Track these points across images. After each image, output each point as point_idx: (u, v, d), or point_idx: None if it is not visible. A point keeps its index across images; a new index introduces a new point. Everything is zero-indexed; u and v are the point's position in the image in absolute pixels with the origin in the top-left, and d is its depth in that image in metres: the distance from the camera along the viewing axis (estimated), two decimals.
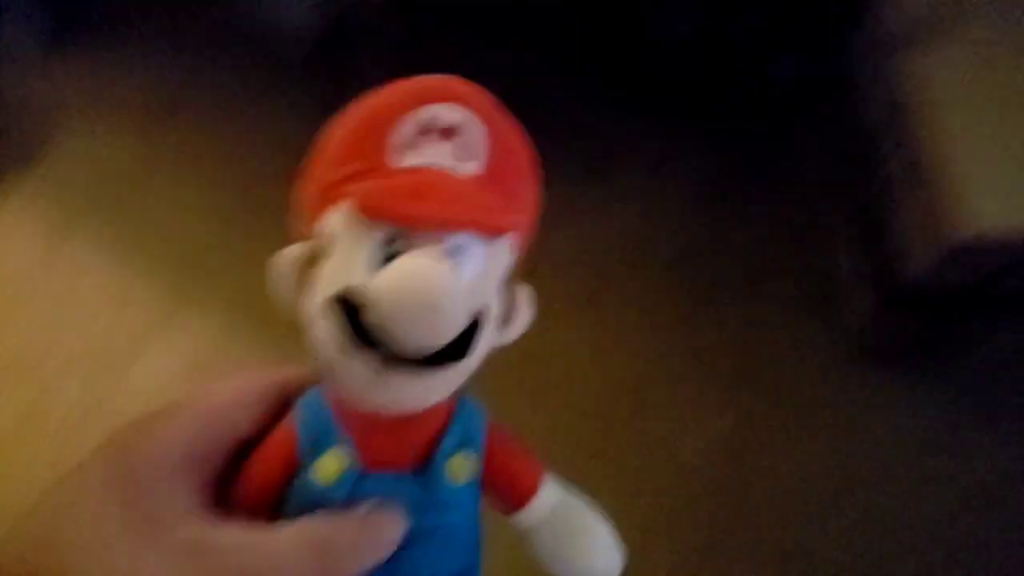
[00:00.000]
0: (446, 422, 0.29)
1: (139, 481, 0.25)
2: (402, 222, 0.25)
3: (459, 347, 0.26)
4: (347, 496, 0.28)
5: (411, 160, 0.26)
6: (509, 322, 0.29)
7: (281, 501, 0.28)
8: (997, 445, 0.98)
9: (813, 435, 0.98)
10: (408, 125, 0.27)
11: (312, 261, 0.27)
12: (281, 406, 0.29)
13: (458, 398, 0.29)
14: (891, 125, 0.95)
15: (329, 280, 0.26)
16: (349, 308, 0.25)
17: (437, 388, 0.27)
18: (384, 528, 0.27)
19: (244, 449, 0.29)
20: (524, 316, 0.29)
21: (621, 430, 0.96)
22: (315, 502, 0.27)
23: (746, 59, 1.20)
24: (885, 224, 0.95)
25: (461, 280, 0.25)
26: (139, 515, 0.24)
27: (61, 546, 0.24)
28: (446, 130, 0.27)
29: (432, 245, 0.25)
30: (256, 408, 0.28)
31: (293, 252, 0.27)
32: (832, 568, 0.90)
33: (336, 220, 0.26)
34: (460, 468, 0.29)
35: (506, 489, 0.30)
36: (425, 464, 0.28)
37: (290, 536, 0.26)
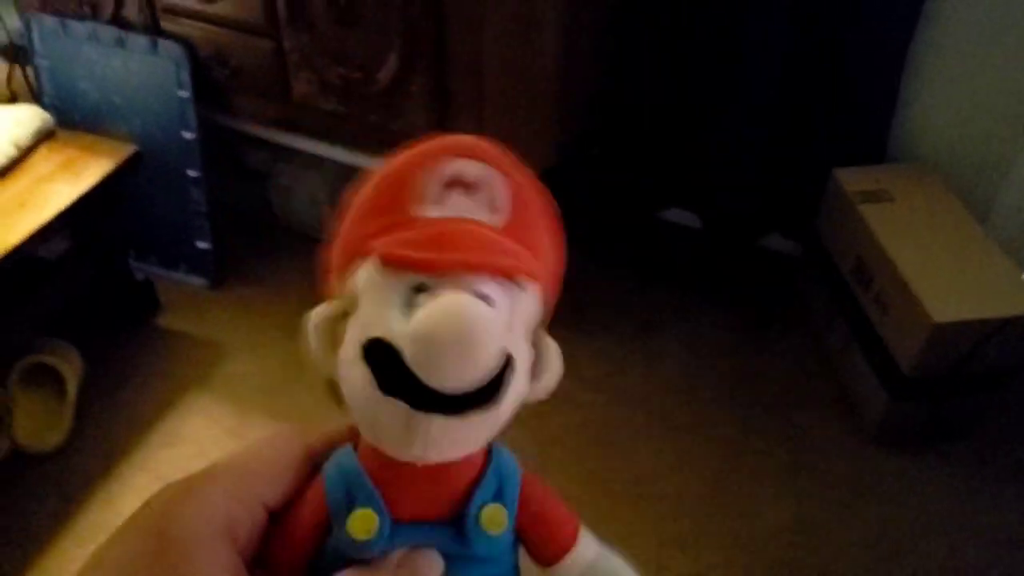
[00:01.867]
0: (480, 472, 0.29)
1: (180, 549, 0.25)
2: (426, 269, 0.26)
3: (491, 391, 0.26)
4: (382, 551, 0.28)
5: (436, 212, 0.27)
6: (540, 374, 0.29)
7: (316, 564, 0.28)
8: (1007, 499, 1.23)
9: (855, 511, 1.22)
10: (434, 179, 0.28)
11: (343, 318, 0.28)
12: (310, 470, 0.29)
13: (491, 449, 0.29)
14: (859, 268, 1.30)
15: (359, 329, 0.27)
16: (380, 355, 0.26)
17: (469, 436, 0.27)
18: (420, 571, 0.27)
19: (275, 515, 0.28)
20: (554, 368, 0.29)
21: (696, 516, 1.19)
22: (351, 560, 0.27)
23: (743, 242, 1.57)
24: (878, 340, 1.26)
25: (491, 319, 0.25)
26: None
27: None
28: (470, 184, 0.28)
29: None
30: (286, 476, 0.28)
31: (325, 310, 0.28)
32: None
33: (364, 274, 0.27)
34: (495, 518, 0.28)
35: (543, 540, 0.30)
36: (460, 515, 0.28)
37: None
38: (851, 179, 1.35)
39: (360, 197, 0.29)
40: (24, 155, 1.27)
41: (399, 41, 1.14)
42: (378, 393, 0.26)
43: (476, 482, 0.29)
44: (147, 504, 0.26)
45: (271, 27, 1.23)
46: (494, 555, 0.29)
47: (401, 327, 0.25)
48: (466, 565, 0.28)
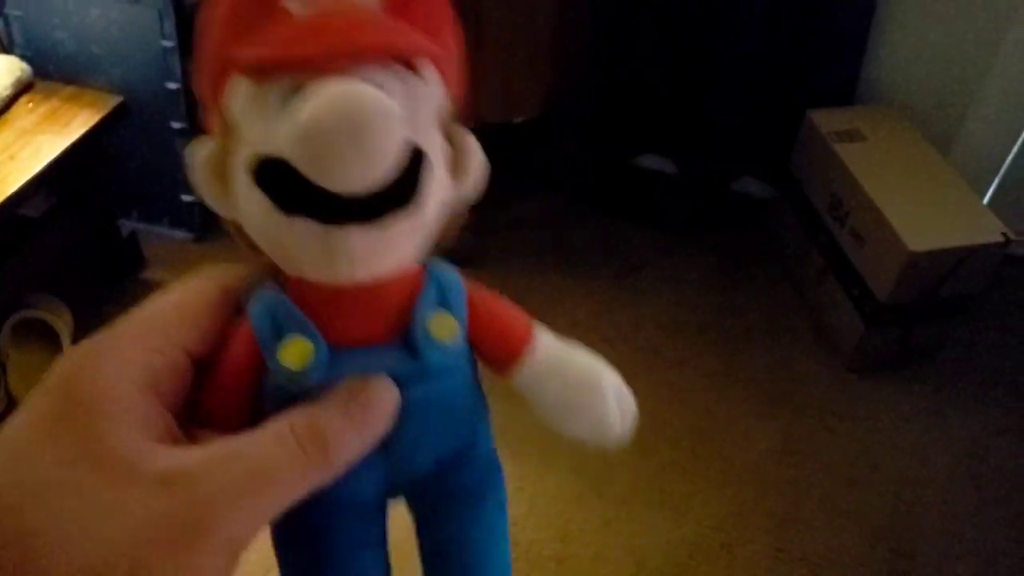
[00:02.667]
0: (418, 286, 0.27)
1: (97, 416, 0.22)
2: (301, 66, 0.22)
3: (406, 190, 0.23)
4: (324, 380, 0.25)
5: (307, 8, 0.23)
6: (462, 172, 0.26)
7: (256, 409, 0.26)
8: (970, 413, 1.33)
9: (836, 432, 1.30)
10: None
11: (227, 147, 0.24)
12: (232, 311, 0.26)
13: (427, 264, 0.27)
14: (834, 205, 1.37)
15: (245, 154, 0.24)
16: (273, 174, 0.23)
17: (396, 245, 0.24)
18: (373, 400, 0.25)
19: (203, 366, 0.26)
20: (476, 163, 0.26)
21: (690, 443, 1.26)
22: (292, 396, 0.25)
23: (717, 186, 1.63)
24: (854, 270, 1.34)
25: (383, 99, 0.22)
26: (105, 451, 0.21)
27: (22, 506, 0.20)
28: None
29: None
30: (205, 319, 0.25)
31: (206, 145, 0.25)
32: (879, 516, 1.19)
33: (237, 92, 0.24)
34: (443, 327, 0.26)
35: (499, 342, 0.28)
36: (406, 331, 0.26)
37: (273, 434, 0.23)
38: (825, 120, 1.41)
39: (214, 14, 0.24)
40: (5, 107, 1.23)
41: None
42: (281, 216, 0.23)
43: (416, 295, 0.26)
44: (54, 369, 0.23)
45: None
46: (449, 366, 0.27)
47: (287, 130, 0.22)
48: (421, 384, 0.26)
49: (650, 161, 1.68)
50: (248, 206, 0.24)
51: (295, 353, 0.25)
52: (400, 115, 0.22)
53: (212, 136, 0.25)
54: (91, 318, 1.38)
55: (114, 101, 1.28)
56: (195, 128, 1.39)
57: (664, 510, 1.18)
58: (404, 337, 0.26)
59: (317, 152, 0.22)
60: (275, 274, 0.26)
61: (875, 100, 1.49)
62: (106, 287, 1.45)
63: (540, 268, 1.52)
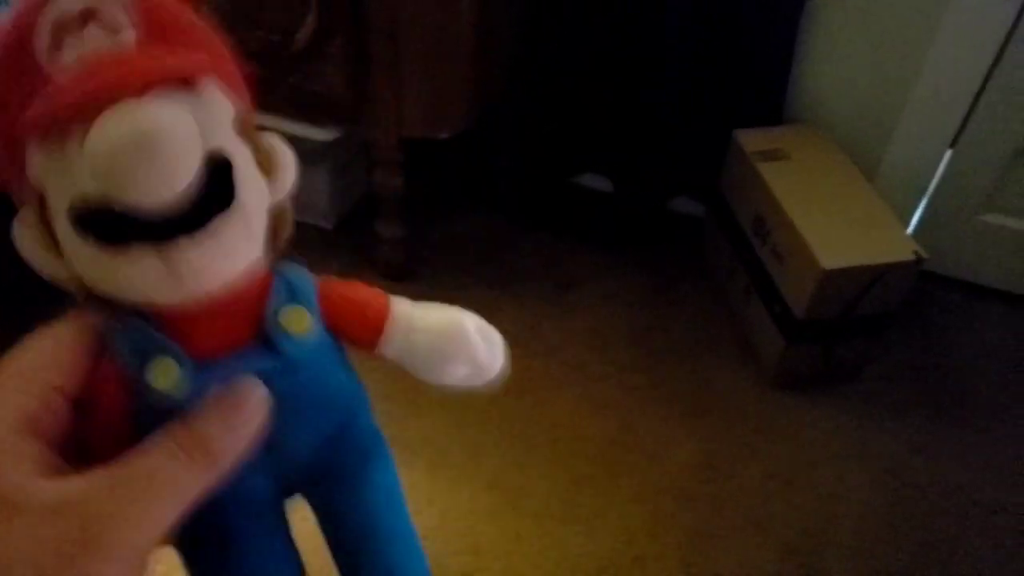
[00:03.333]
0: (268, 288, 0.28)
1: None
2: (78, 113, 0.23)
3: (220, 193, 0.24)
4: (195, 394, 0.26)
5: (65, 60, 0.24)
6: (274, 170, 0.27)
7: (136, 437, 0.26)
8: (889, 433, 1.34)
9: (755, 448, 1.31)
10: (44, 27, 0.24)
11: (44, 214, 0.25)
12: (100, 347, 0.27)
13: (275, 268, 0.29)
14: (757, 223, 1.38)
15: (60, 208, 0.24)
16: (90, 214, 0.24)
17: (232, 250, 0.25)
18: (243, 399, 0.26)
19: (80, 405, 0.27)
20: (286, 160, 0.28)
21: (608, 457, 1.27)
22: (167, 414, 0.26)
23: (653, 205, 1.65)
24: (775, 288, 1.35)
25: (170, 109, 0.23)
26: None
27: None
28: (83, 15, 0.24)
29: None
30: (74, 359, 0.26)
31: (25, 215, 0.26)
32: (792, 531, 1.20)
33: (35, 159, 0.25)
34: (295, 320, 0.28)
35: (358, 323, 0.30)
36: (262, 332, 0.27)
37: (156, 446, 0.24)
38: (750, 140, 1.43)
39: None
40: None
41: (316, 2, 1.16)
42: (114, 252, 0.24)
43: (266, 296, 0.28)
44: None
45: None
46: (309, 357, 0.28)
47: (81, 163, 0.23)
48: (286, 377, 0.28)
49: (587, 179, 1.70)
50: (80, 256, 0.25)
51: (162, 374, 0.26)
52: (188, 122, 0.23)
53: (28, 208, 0.26)
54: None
55: None
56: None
57: (577, 524, 1.19)
58: (262, 337, 0.28)
59: (111, 172, 0.22)
60: (131, 309, 0.27)
61: (804, 120, 1.52)
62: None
63: (473, 283, 1.53)
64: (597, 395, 1.36)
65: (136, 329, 0.27)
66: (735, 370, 1.42)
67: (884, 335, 1.39)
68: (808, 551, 1.18)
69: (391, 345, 0.31)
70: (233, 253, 0.26)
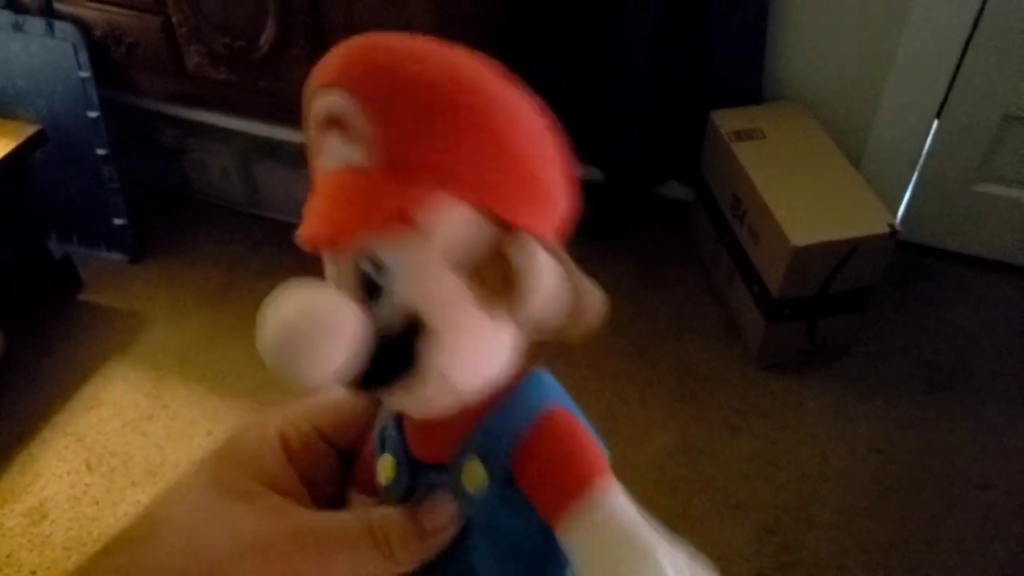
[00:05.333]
0: (473, 425, 0.27)
1: (234, 461, 0.29)
2: (310, 251, 0.25)
3: (394, 362, 0.24)
4: (405, 492, 0.29)
5: (323, 162, 0.25)
6: (519, 290, 0.25)
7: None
8: (874, 411, 1.32)
9: (738, 429, 1.30)
10: (312, 124, 0.25)
11: None
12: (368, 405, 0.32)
13: (504, 396, 0.27)
14: (735, 204, 1.37)
15: None
16: None
17: (419, 402, 0.26)
18: (435, 511, 0.28)
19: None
20: (532, 280, 0.25)
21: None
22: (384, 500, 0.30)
23: (641, 190, 1.65)
24: (753, 268, 1.34)
25: (325, 316, 0.24)
26: (228, 485, 0.28)
27: (155, 515, 0.27)
28: (333, 121, 0.25)
29: (342, 266, 0.25)
30: (341, 412, 0.32)
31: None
32: (771, 511, 1.19)
33: None
34: (472, 476, 0.27)
35: (540, 502, 0.27)
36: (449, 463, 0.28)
37: (354, 515, 0.28)
38: (726, 120, 1.42)
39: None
40: None
41: (275, 7, 1.19)
42: None
43: (469, 432, 0.27)
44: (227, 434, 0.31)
45: (158, 3, 1.29)
46: (482, 505, 0.28)
47: None
48: (468, 509, 0.29)
49: (577, 170, 1.70)
50: None
51: (383, 468, 0.30)
52: (346, 316, 0.24)
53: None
54: (28, 339, 1.45)
55: (32, 129, 1.35)
56: (117, 155, 1.46)
57: None
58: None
59: (270, 361, 0.24)
60: None
61: (785, 99, 1.50)
62: (44, 309, 1.52)
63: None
64: (580, 383, 1.36)
65: (387, 418, 0.30)
66: (720, 353, 1.41)
67: (871, 311, 1.36)
68: (786, 530, 1.17)
69: (567, 534, 0.26)
70: (434, 400, 0.26)
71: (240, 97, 1.36)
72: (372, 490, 0.31)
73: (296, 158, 1.53)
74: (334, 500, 0.32)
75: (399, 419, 0.29)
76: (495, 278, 0.25)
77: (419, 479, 0.28)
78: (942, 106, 1.42)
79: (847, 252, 1.22)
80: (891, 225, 1.22)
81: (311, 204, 0.25)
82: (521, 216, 0.25)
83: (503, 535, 0.28)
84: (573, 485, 0.26)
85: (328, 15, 1.19)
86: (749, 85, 1.48)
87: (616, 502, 0.26)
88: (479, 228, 0.25)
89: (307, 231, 0.24)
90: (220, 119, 1.52)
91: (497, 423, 0.27)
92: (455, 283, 0.24)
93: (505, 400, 0.27)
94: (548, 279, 0.25)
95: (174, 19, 1.29)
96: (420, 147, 0.24)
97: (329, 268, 0.26)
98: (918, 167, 1.50)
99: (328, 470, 0.31)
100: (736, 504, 1.20)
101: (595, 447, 0.28)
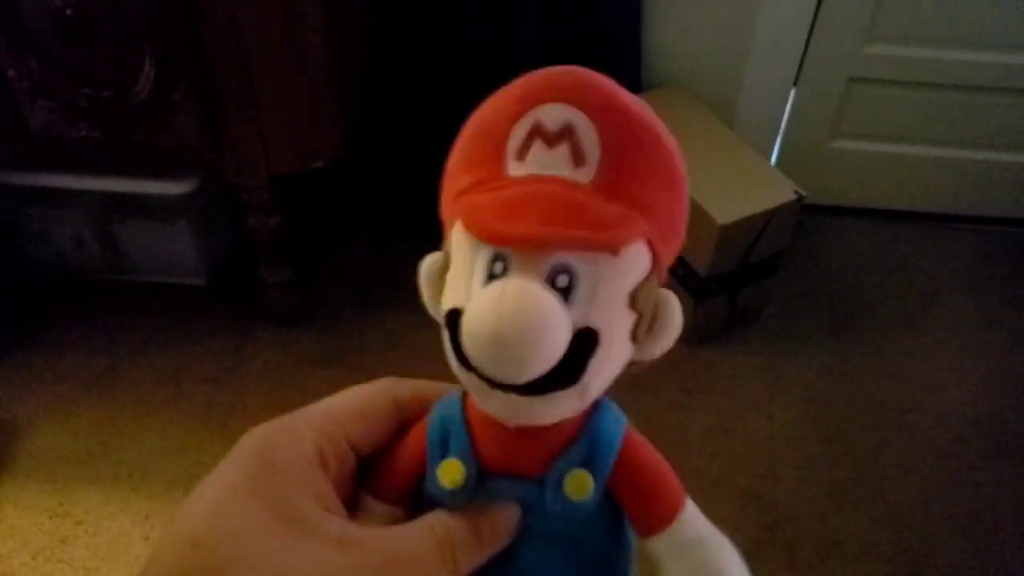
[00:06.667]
0: (574, 436, 0.28)
1: (281, 480, 0.26)
2: (492, 242, 0.24)
3: (570, 370, 0.24)
4: (470, 498, 0.28)
5: (518, 170, 0.25)
6: (653, 336, 0.27)
7: (417, 492, 0.30)
8: (775, 364, 1.43)
9: (686, 406, 1.36)
10: (515, 131, 0.25)
11: (443, 271, 0.27)
12: (400, 419, 0.30)
13: (595, 410, 0.28)
14: None
15: (447, 294, 0.26)
16: (456, 327, 0.25)
17: (554, 409, 0.26)
18: (498, 519, 0.28)
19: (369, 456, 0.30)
20: (671, 329, 0.27)
21: None
22: (443, 502, 0.28)
23: None
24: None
25: (547, 313, 0.23)
26: (293, 512, 0.26)
27: (216, 546, 0.24)
28: (550, 134, 0.25)
29: (532, 267, 0.24)
30: (376, 421, 0.30)
31: (431, 260, 0.28)
32: (744, 478, 1.25)
33: (454, 233, 0.26)
34: (579, 484, 0.27)
35: (638, 512, 0.28)
36: (546, 474, 0.28)
37: (417, 530, 0.28)
38: None
39: (457, 146, 0.27)
40: None
41: (151, 47, 1.04)
42: (456, 362, 0.26)
43: (568, 444, 0.28)
44: (242, 442, 0.27)
45: None
46: (578, 518, 0.28)
47: (464, 322, 0.24)
48: (540, 518, 0.28)
49: None
50: (443, 333, 0.26)
51: (449, 475, 0.28)
52: (558, 320, 0.24)
53: (440, 255, 0.28)
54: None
55: None
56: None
57: None
58: (542, 479, 0.28)
59: (478, 352, 0.24)
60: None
61: (664, 85, 1.56)
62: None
63: (373, 311, 1.46)
64: None
65: (452, 417, 0.29)
66: None
67: (776, 273, 1.46)
68: (760, 492, 1.24)
69: (652, 551, 0.29)
70: (559, 409, 0.26)
71: (103, 155, 1.18)
72: (394, 498, 0.30)
73: (168, 211, 1.37)
74: (348, 508, 0.30)
75: (467, 416, 0.28)
76: (647, 313, 0.26)
77: (484, 485, 0.28)
78: (798, 74, 1.55)
79: (764, 222, 1.30)
80: (796, 191, 1.31)
81: (488, 203, 0.25)
82: (669, 263, 0.28)
83: (572, 543, 0.29)
84: (670, 500, 0.29)
85: (214, 49, 1.06)
86: (628, 75, 1.51)
87: (700, 527, 0.29)
88: (647, 265, 0.26)
89: (511, 229, 0.24)
90: (68, 180, 1.31)
91: (598, 435, 0.28)
92: (624, 309, 0.26)
93: (595, 413, 0.28)
94: (676, 329, 0.27)
95: (10, 73, 1.09)
96: (635, 177, 0.25)
97: (462, 253, 0.26)
98: (780, 132, 1.63)
99: (352, 479, 0.30)
100: (713, 480, 1.25)
101: (666, 461, 0.30)
